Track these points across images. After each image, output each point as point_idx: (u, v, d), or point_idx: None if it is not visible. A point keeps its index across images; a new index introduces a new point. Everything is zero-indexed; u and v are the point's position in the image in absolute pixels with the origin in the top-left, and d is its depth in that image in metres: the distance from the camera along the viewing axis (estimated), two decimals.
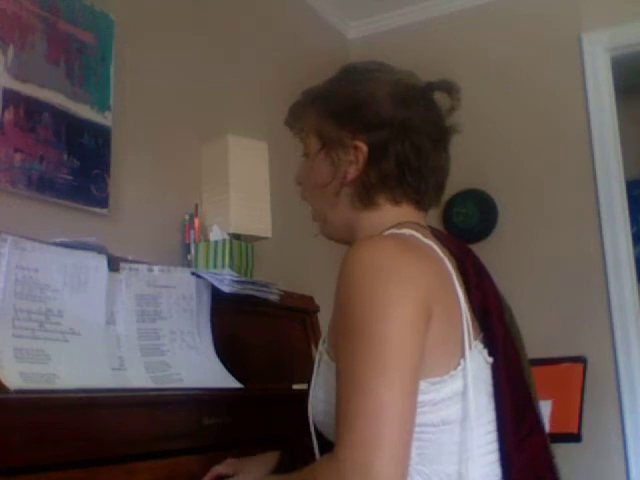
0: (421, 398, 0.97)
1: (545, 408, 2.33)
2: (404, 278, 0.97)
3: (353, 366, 0.94)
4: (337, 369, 0.97)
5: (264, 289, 1.83)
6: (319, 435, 1.10)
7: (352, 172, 1.14)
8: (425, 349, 0.96)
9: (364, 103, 1.15)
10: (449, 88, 1.20)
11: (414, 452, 0.97)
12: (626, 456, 2.68)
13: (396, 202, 1.15)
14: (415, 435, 0.96)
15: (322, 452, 1.08)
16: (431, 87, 1.20)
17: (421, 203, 1.17)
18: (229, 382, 1.59)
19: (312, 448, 1.10)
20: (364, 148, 1.13)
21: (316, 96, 1.22)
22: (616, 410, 2.71)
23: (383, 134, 1.13)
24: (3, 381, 1.16)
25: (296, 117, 1.25)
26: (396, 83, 1.17)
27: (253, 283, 1.81)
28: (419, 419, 0.96)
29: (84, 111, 1.94)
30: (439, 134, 1.17)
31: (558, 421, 2.38)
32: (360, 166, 1.14)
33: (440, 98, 1.20)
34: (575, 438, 2.41)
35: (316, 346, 1.11)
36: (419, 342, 0.95)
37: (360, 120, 1.15)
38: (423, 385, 0.97)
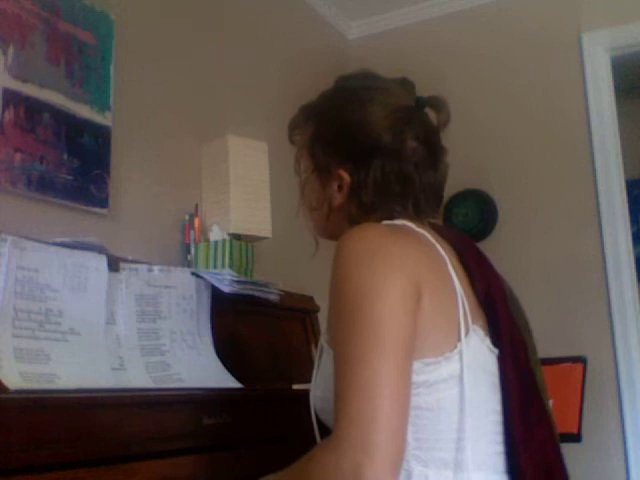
0: (415, 379, 0.98)
1: None
2: (392, 260, 1.00)
3: (348, 346, 0.95)
4: (334, 353, 0.99)
5: (264, 289, 1.83)
6: (321, 427, 1.10)
7: (338, 199, 1.16)
8: (418, 329, 0.98)
9: (351, 132, 1.16)
10: (437, 105, 1.19)
11: (410, 437, 0.98)
12: (626, 456, 2.68)
13: (389, 219, 1.13)
14: (411, 420, 0.96)
15: None
16: (421, 104, 1.19)
17: (417, 215, 1.15)
18: (229, 382, 1.59)
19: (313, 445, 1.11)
20: (347, 179, 1.15)
21: (310, 115, 1.24)
22: (616, 410, 2.71)
23: (366, 165, 1.13)
24: (3, 381, 1.16)
25: (294, 133, 1.27)
26: (387, 107, 1.15)
27: (253, 283, 1.81)
28: (414, 401, 0.97)
29: (84, 111, 1.94)
30: (427, 155, 1.15)
31: (558, 421, 2.35)
32: (344, 194, 1.16)
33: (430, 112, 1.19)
34: (575, 438, 2.41)
35: (316, 346, 1.11)
36: (410, 320, 0.97)
37: (346, 150, 1.16)
38: (417, 366, 0.99)
